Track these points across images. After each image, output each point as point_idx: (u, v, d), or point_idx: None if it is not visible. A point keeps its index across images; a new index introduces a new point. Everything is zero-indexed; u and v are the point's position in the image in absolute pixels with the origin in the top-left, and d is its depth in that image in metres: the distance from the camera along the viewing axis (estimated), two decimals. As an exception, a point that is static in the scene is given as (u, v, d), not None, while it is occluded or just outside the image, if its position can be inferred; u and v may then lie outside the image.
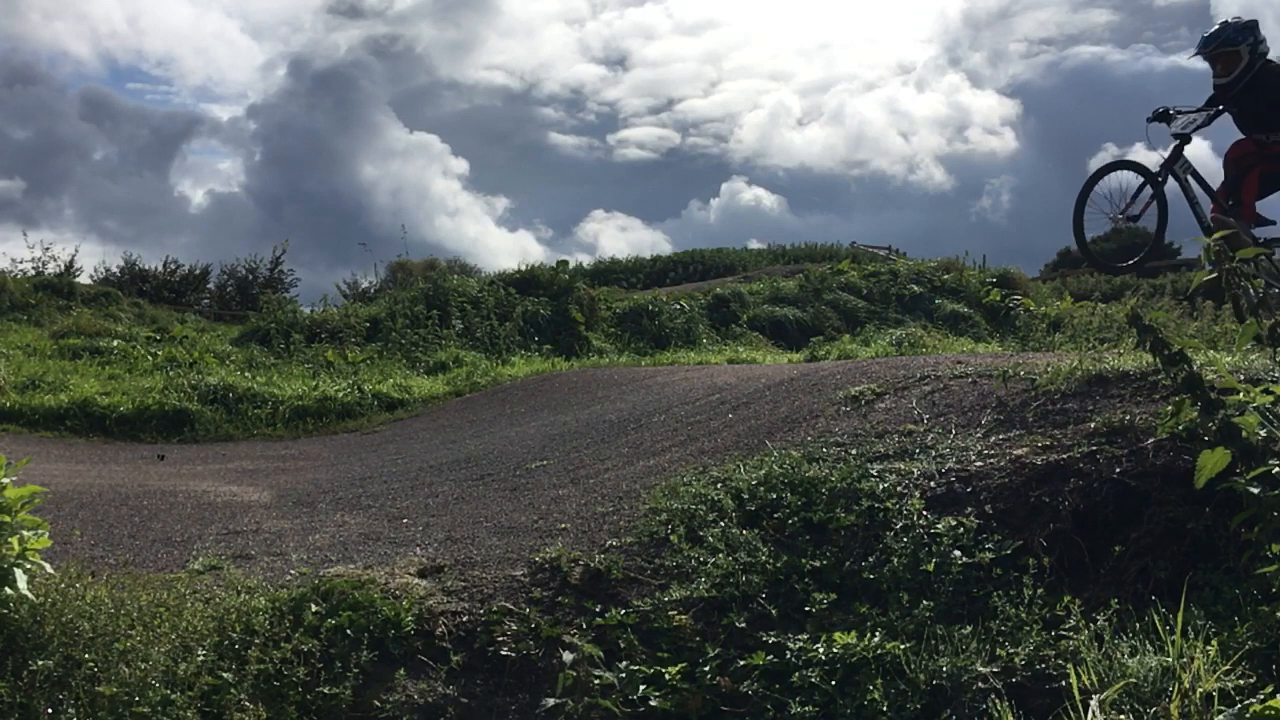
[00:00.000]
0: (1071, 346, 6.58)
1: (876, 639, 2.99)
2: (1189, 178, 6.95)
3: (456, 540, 3.93)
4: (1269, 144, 6.71)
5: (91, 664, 2.72)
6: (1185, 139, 6.94)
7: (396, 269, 20.80)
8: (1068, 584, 3.15)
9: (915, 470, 3.80)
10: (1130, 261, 7.41)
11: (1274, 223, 6.92)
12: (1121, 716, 2.45)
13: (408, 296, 12.55)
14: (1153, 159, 6.84)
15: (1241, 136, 6.89)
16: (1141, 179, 6.89)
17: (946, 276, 15.53)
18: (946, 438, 4.07)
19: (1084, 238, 6.87)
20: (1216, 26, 6.98)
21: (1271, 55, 6.94)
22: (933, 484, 3.69)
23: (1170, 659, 2.56)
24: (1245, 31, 6.98)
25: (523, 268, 13.93)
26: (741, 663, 3.07)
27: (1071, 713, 2.51)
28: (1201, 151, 7.85)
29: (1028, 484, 3.55)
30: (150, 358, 10.33)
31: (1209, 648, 2.55)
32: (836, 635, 3.04)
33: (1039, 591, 3.04)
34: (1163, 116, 7.07)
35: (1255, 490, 2.82)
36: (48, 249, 23.33)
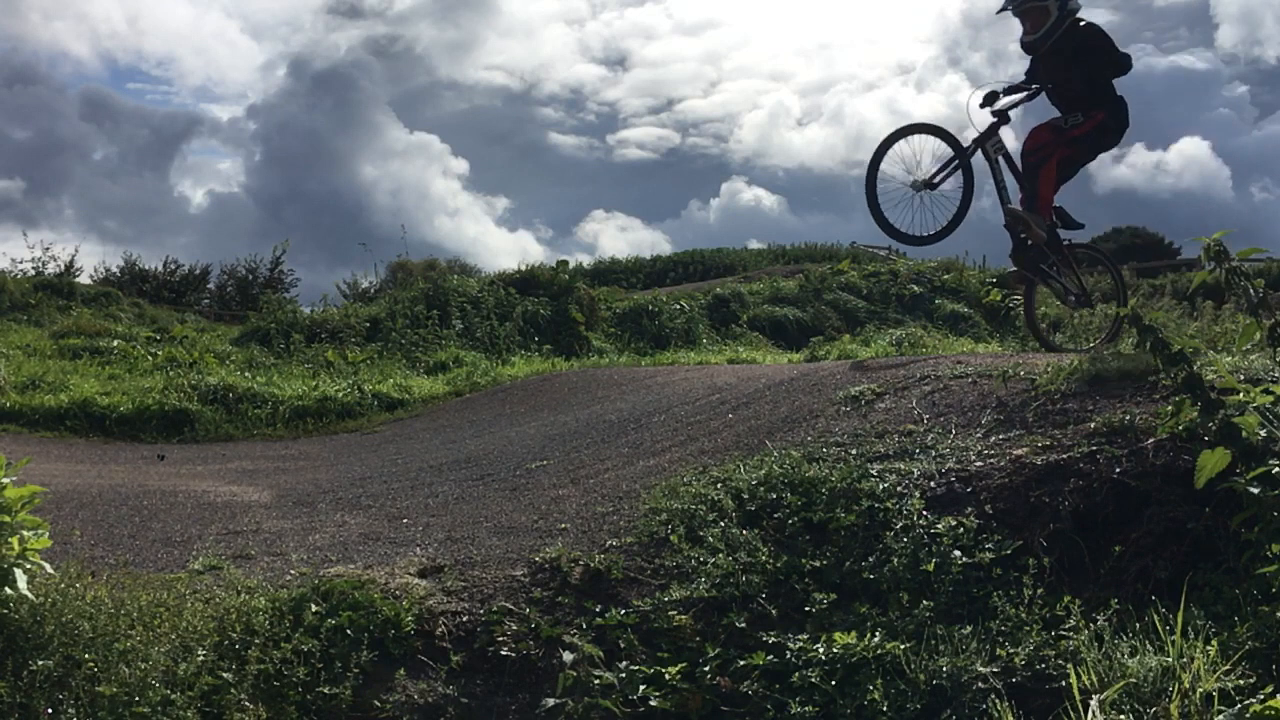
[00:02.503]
0: (1072, 346, 6.60)
1: (876, 639, 2.99)
2: (1000, 158, 6.62)
3: (456, 540, 3.93)
4: (1067, 129, 6.32)
5: (91, 664, 2.72)
6: (1003, 117, 6.57)
7: (396, 269, 20.81)
8: (1068, 584, 3.15)
9: (915, 470, 3.79)
10: (928, 234, 6.94)
11: (1081, 225, 6.63)
12: (1121, 716, 2.45)
13: (408, 296, 12.55)
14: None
15: (1037, 124, 6.48)
16: (951, 150, 6.55)
17: (946, 276, 15.53)
18: (946, 438, 4.07)
19: (878, 202, 6.48)
20: None
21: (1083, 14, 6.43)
22: (933, 484, 3.69)
23: (1170, 659, 2.56)
24: None
25: (523, 268, 13.94)
26: (741, 663, 3.06)
27: (1071, 713, 2.51)
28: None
29: (1028, 484, 3.55)
30: (150, 358, 10.33)
31: (1209, 648, 2.55)
32: (836, 635, 3.04)
33: (1039, 591, 3.04)
34: (991, 98, 6.71)
35: (1255, 490, 2.82)
36: (48, 249, 23.38)
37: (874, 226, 6.60)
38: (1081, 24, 6.36)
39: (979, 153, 6.48)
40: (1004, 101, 6.48)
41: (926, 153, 6.52)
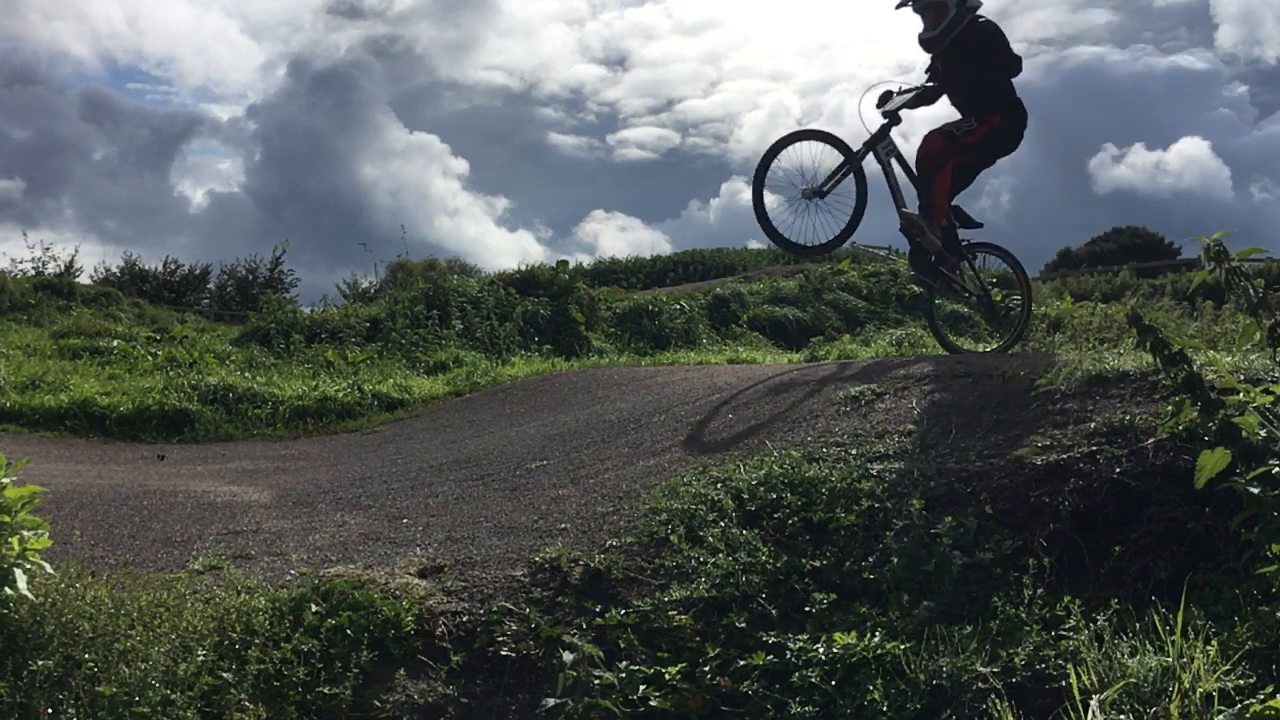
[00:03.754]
0: (1071, 346, 6.58)
1: (876, 639, 2.99)
2: (892, 161, 6.45)
3: (456, 540, 3.93)
4: (960, 136, 6.18)
5: (91, 664, 2.72)
6: (893, 118, 6.41)
7: (396, 269, 20.81)
8: (1068, 584, 3.15)
9: (915, 470, 3.79)
10: (821, 243, 6.76)
11: (980, 225, 6.51)
12: (1121, 716, 2.45)
13: (408, 296, 12.54)
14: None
15: (932, 130, 6.33)
16: (841, 155, 6.36)
17: (947, 277, 15.49)
18: (946, 438, 4.07)
19: (765, 212, 6.31)
20: None
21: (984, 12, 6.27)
22: (933, 484, 3.69)
23: (1170, 659, 2.56)
24: None
25: (523, 268, 13.93)
26: (741, 663, 3.06)
27: (1071, 713, 2.51)
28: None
29: (1028, 484, 3.55)
30: (150, 358, 10.33)
31: (1209, 648, 2.55)
32: (836, 635, 3.04)
33: (1039, 591, 3.04)
34: (885, 98, 6.52)
35: (1255, 490, 2.82)
36: (48, 249, 23.40)
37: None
38: (981, 21, 6.21)
39: (870, 156, 6.32)
40: (892, 103, 6.32)
41: (817, 160, 6.33)
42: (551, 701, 2.95)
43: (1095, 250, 39.67)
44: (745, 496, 3.86)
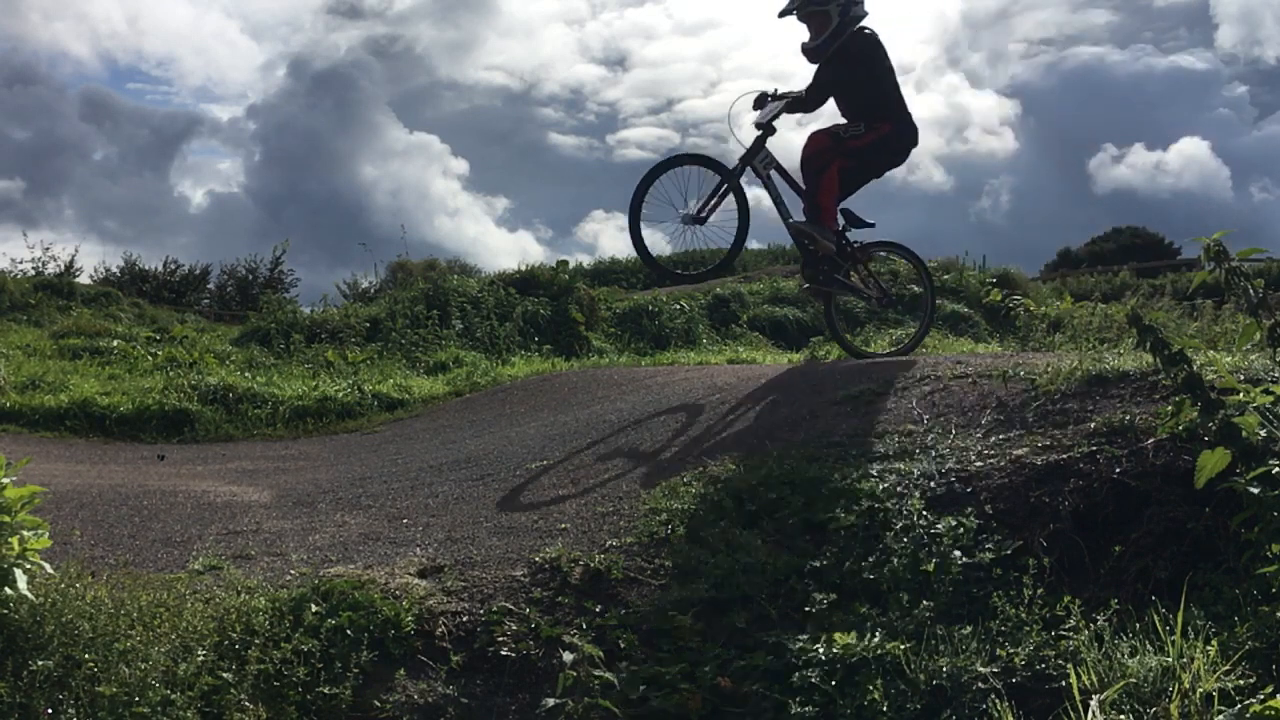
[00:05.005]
0: (1071, 346, 6.56)
1: (876, 639, 2.99)
2: (772, 173, 6.24)
3: (456, 540, 3.93)
4: (846, 138, 6.05)
5: (91, 664, 2.72)
6: (767, 129, 6.19)
7: (396, 269, 20.81)
8: (1068, 584, 3.15)
9: (915, 470, 3.80)
10: (703, 269, 6.54)
11: (872, 225, 6.36)
12: (1121, 716, 2.46)
13: (408, 296, 12.54)
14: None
15: (817, 129, 6.19)
16: (718, 176, 6.14)
17: (946, 277, 15.51)
18: (946, 438, 4.07)
19: (641, 239, 6.12)
20: None
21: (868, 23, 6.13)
22: (933, 484, 3.69)
23: (1170, 659, 2.57)
24: None
25: (523, 268, 13.93)
26: (741, 663, 3.06)
27: (1071, 713, 2.51)
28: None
29: (1028, 484, 3.55)
30: (150, 358, 10.32)
31: (1209, 648, 2.55)
32: (836, 635, 3.04)
33: (1039, 591, 3.04)
34: (760, 101, 6.30)
35: (1255, 490, 2.82)
36: (48, 249, 23.43)
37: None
38: (865, 31, 6.10)
39: (748, 171, 6.14)
40: (763, 113, 6.15)
41: (695, 184, 6.11)
42: (551, 701, 2.95)
43: (1095, 250, 39.69)
44: (745, 496, 3.86)
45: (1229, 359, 4.05)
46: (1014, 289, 14.67)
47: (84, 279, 24.24)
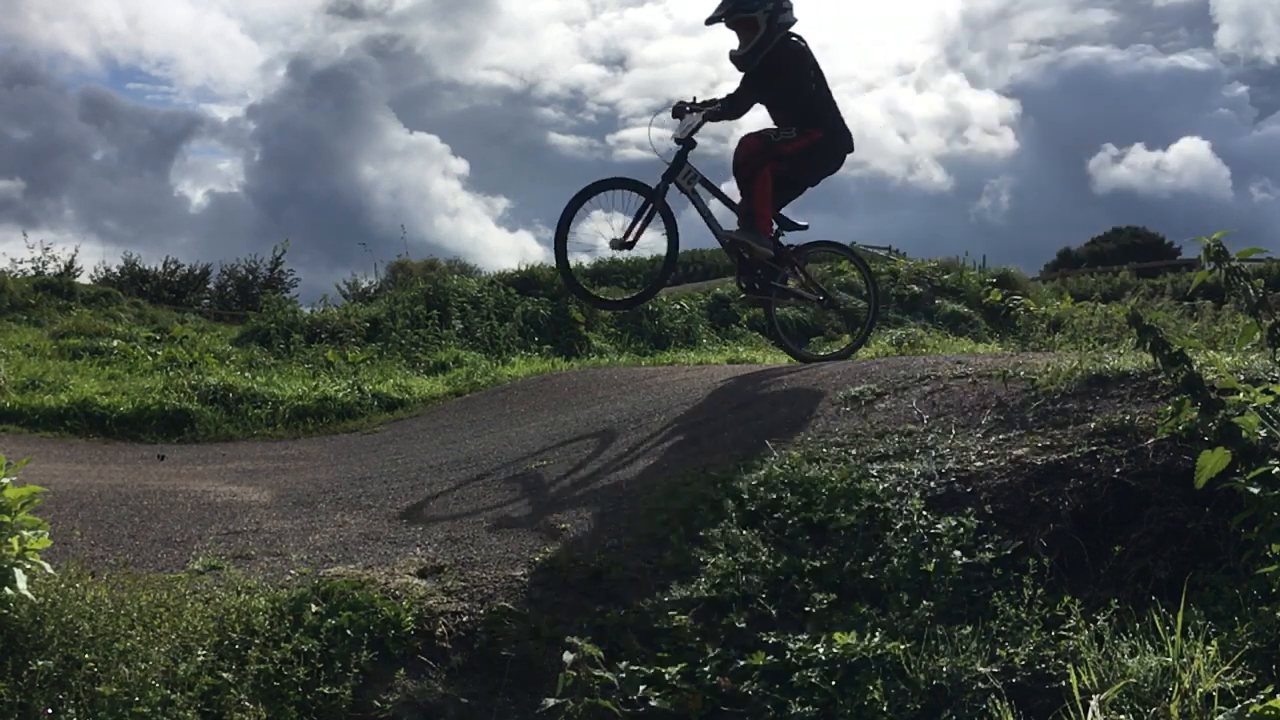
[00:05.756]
0: (1071, 346, 6.56)
1: (876, 639, 2.99)
2: (697, 187, 6.08)
3: (456, 540, 3.93)
4: (777, 142, 5.95)
5: (91, 664, 2.72)
6: (688, 143, 6.03)
7: (396, 269, 20.81)
8: (1068, 584, 3.15)
9: (915, 470, 3.79)
10: (630, 297, 6.43)
11: (805, 227, 6.26)
12: (1121, 716, 2.46)
13: (408, 296, 12.54)
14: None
15: (748, 132, 6.08)
16: (642, 197, 5.97)
17: (946, 277, 15.52)
18: (946, 438, 4.07)
19: (568, 267, 6.02)
20: None
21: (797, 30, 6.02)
22: (933, 484, 3.69)
23: (1170, 659, 2.57)
24: None
25: (523, 268, 13.93)
26: (741, 663, 3.06)
27: (1071, 713, 2.51)
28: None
29: (1028, 484, 3.55)
30: (150, 358, 10.32)
31: (1209, 648, 2.55)
32: (836, 635, 3.04)
33: (1039, 591, 3.04)
34: (679, 110, 6.13)
35: (1255, 490, 2.82)
36: (48, 249, 23.45)
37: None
38: (793, 39, 6.02)
39: (673, 188, 6.01)
40: (682, 128, 6.00)
41: (621, 208, 5.96)
42: (551, 701, 2.95)
43: (1095, 250, 39.71)
44: (745, 496, 3.86)
45: (1229, 359, 4.05)
46: (1014, 289, 14.68)
47: (84, 279, 24.28)
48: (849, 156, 6.25)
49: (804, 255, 6.55)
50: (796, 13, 6.04)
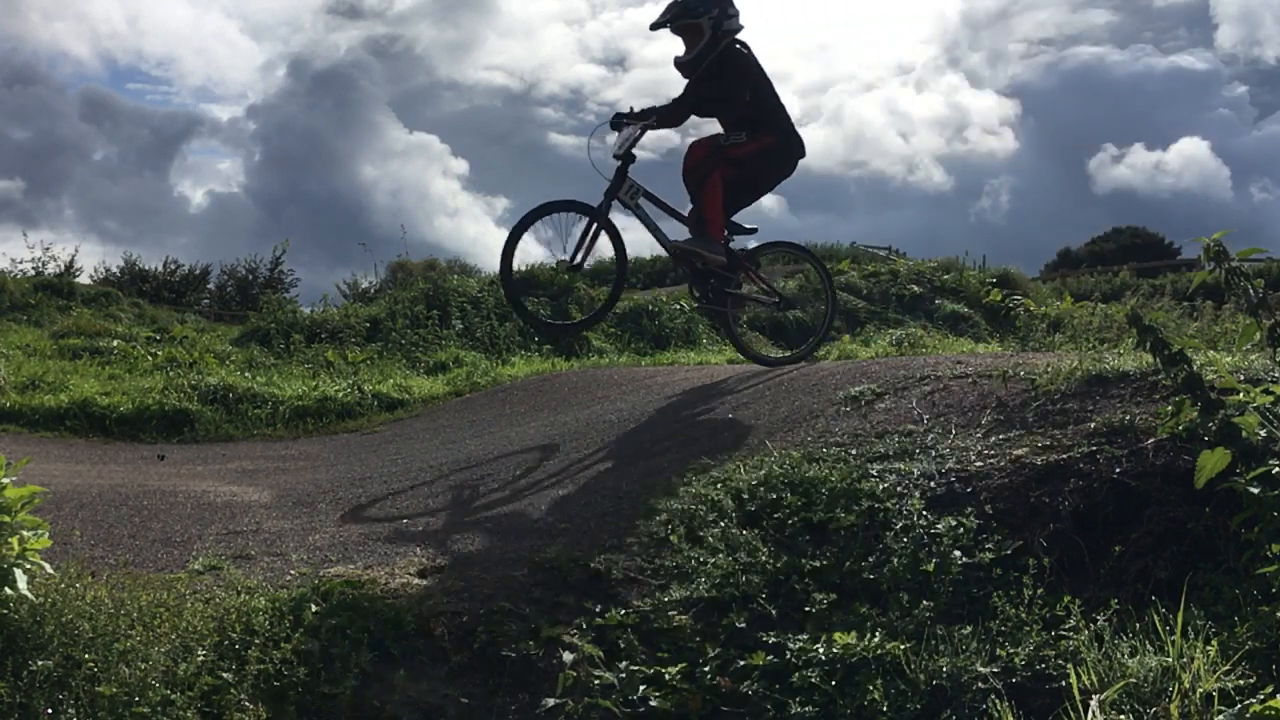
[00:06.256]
0: (1071, 346, 6.55)
1: (876, 639, 3.00)
2: (641, 202, 5.96)
3: (456, 540, 3.94)
4: (727, 146, 5.88)
5: (91, 664, 2.72)
6: (627, 158, 5.90)
7: (396, 269, 20.80)
8: (1068, 584, 3.15)
9: (915, 470, 3.80)
10: (577, 321, 6.49)
11: (754, 230, 6.19)
12: (1121, 716, 2.46)
13: (408, 296, 12.53)
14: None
15: (697, 138, 6.02)
16: (586, 217, 5.85)
17: (946, 277, 15.51)
18: (946, 438, 4.07)
19: (514, 292, 5.95)
20: None
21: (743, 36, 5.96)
22: (933, 484, 3.69)
23: (1170, 659, 2.57)
24: (708, 1, 5.91)
25: (522, 268, 13.92)
26: (741, 663, 3.06)
27: (1071, 713, 2.51)
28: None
29: (1028, 484, 3.55)
30: (150, 358, 10.32)
31: (1209, 648, 2.55)
32: (836, 635, 3.04)
33: (1039, 591, 3.04)
34: (617, 123, 5.98)
35: (1255, 490, 2.82)
36: (48, 249, 23.43)
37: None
38: (738, 44, 5.96)
39: (617, 205, 5.91)
40: (620, 143, 5.88)
41: (567, 231, 5.84)
42: (551, 701, 2.95)
43: (1095, 250, 39.70)
44: (745, 496, 3.86)
45: (1229, 359, 4.05)
46: (1014, 289, 14.67)
47: (84, 279, 24.26)
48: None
49: (757, 258, 6.48)
50: (743, 19, 6.00)
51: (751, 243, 6.57)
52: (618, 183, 5.90)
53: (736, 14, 5.97)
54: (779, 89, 6.22)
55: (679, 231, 6.14)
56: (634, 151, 5.91)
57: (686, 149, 5.98)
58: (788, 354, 6.93)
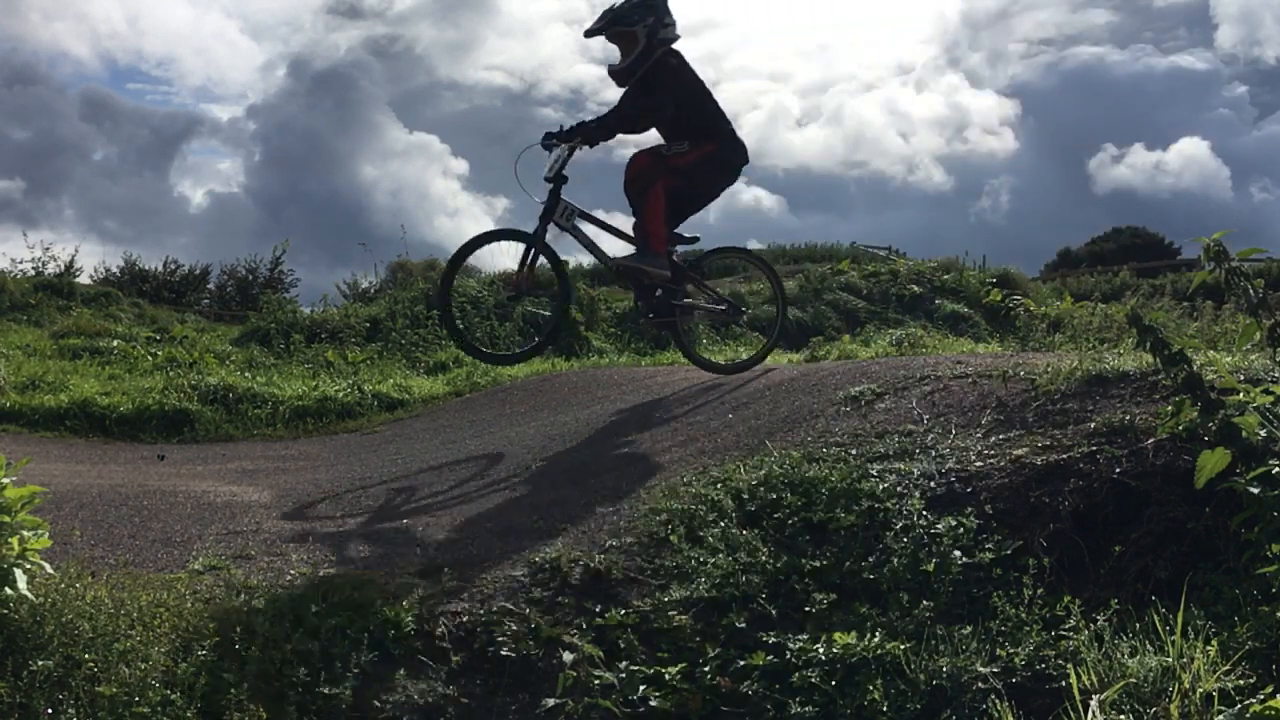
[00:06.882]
0: (1071, 346, 6.55)
1: (876, 639, 3.00)
2: (577, 222, 5.88)
3: (456, 540, 3.93)
4: (669, 156, 5.79)
5: (91, 664, 2.72)
6: (559, 179, 5.81)
7: (396, 269, 20.79)
8: (1068, 584, 3.15)
9: (915, 470, 3.80)
10: (521, 350, 6.32)
11: (695, 239, 6.12)
12: (1121, 716, 2.46)
13: (408, 296, 12.54)
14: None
15: (638, 150, 5.91)
16: (523, 244, 5.78)
17: (946, 277, 15.51)
18: (946, 438, 4.07)
19: (454, 322, 5.84)
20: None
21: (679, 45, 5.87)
22: (933, 484, 3.69)
23: (1170, 659, 2.57)
24: (643, 9, 5.82)
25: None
26: (741, 663, 3.07)
27: (1071, 713, 2.51)
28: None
29: (1028, 484, 3.55)
30: (150, 358, 10.32)
31: (1209, 648, 2.55)
32: (836, 635, 3.04)
33: (1039, 591, 3.05)
34: (548, 143, 5.88)
35: (1255, 490, 2.82)
36: (48, 249, 23.44)
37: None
38: (673, 53, 5.88)
39: (553, 228, 5.83)
40: (550, 165, 5.80)
41: (507, 259, 5.90)
42: (551, 701, 2.95)
43: (1095, 250, 39.71)
44: (745, 496, 3.86)
45: (1229, 359, 4.05)
46: (1014, 289, 14.66)
47: (84, 279, 24.26)
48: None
49: (702, 267, 6.40)
50: (679, 29, 5.91)
51: (693, 251, 6.47)
52: (551, 206, 5.80)
53: (672, 23, 5.87)
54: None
55: (622, 248, 6.05)
56: (565, 173, 5.83)
57: (628, 161, 5.89)
58: (741, 360, 6.84)
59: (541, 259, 5.86)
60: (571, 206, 5.88)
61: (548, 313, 6.01)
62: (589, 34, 5.95)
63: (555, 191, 5.82)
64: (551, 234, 5.90)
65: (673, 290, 6.06)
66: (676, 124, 5.91)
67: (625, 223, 6.12)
